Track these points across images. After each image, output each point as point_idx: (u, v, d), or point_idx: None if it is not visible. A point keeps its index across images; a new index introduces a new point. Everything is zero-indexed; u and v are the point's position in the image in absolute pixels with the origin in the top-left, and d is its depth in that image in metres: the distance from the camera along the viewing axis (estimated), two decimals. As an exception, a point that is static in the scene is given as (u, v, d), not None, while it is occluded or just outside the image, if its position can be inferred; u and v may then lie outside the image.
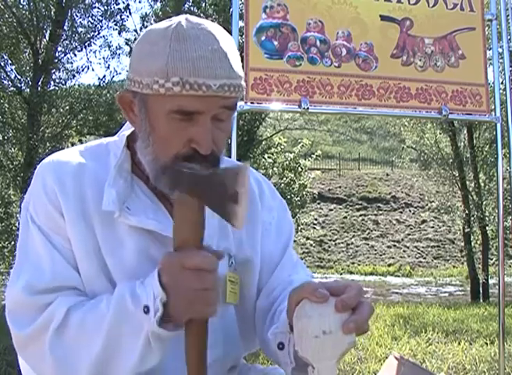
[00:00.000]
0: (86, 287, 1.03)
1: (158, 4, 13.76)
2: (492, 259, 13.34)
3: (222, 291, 1.08)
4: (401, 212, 24.09)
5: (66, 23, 10.80)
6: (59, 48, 10.71)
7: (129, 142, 1.09)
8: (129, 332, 0.94)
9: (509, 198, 8.71)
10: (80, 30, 10.97)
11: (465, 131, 13.05)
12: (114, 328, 0.94)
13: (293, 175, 13.47)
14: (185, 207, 0.92)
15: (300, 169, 13.64)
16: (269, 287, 1.17)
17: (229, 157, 2.17)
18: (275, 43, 2.43)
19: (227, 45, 0.98)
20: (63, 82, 11.01)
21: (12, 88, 10.60)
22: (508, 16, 3.22)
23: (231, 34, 2.38)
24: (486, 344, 4.55)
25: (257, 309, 1.16)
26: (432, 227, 22.88)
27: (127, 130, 1.11)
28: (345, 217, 23.65)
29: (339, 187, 25.66)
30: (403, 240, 22.32)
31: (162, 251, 1.02)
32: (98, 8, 11.04)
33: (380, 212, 24.12)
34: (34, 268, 1.00)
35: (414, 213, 23.92)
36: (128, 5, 11.35)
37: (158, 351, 0.95)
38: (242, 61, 2.51)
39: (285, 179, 13.30)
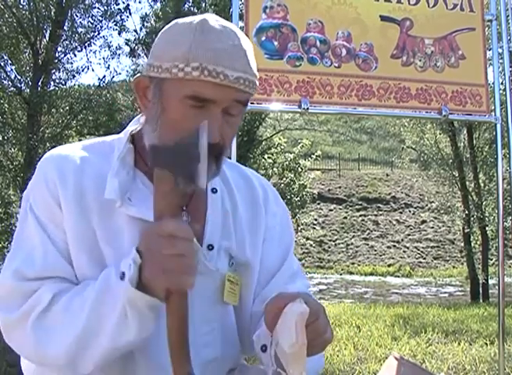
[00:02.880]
0: (80, 278, 1.03)
1: (158, 4, 13.77)
2: (491, 260, 13.33)
3: (221, 289, 1.09)
4: (401, 213, 24.09)
5: (66, 24, 10.80)
6: (59, 49, 10.71)
7: (134, 139, 1.11)
8: (110, 307, 0.94)
9: (509, 198, 8.72)
10: (79, 30, 10.98)
11: (465, 131, 13.05)
12: (96, 307, 0.95)
13: (292, 175, 13.50)
14: (159, 180, 0.94)
15: (300, 169, 13.67)
16: (265, 293, 1.16)
17: (229, 158, 2.17)
18: (275, 43, 2.43)
19: (246, 45, 1.02)
20: (63, 82, 11.01)
21: (12, 88, 10.60)
22: (508, 16, 3.22)
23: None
24: (486, 344, 4.55)
25: (252, 315, 1.16)
26: (432, 228, 22.88)
27: (133, 126, 1.13)
28: (345, 217, 23.65)
29: (339, 187, 25.66)
30: (402, 240, 22.31)
31: None
32: (98, 8, 11.05)
33: (380, 212, 24.12)
34: (26, 256, 1.02)
35: (413, 214, 23.91)
36: (128, 5, 11.36)
37: (134, 322, 0.93)
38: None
39: (285, 179, 13.33)
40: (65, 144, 1.13)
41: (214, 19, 1.01)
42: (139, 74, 1.07)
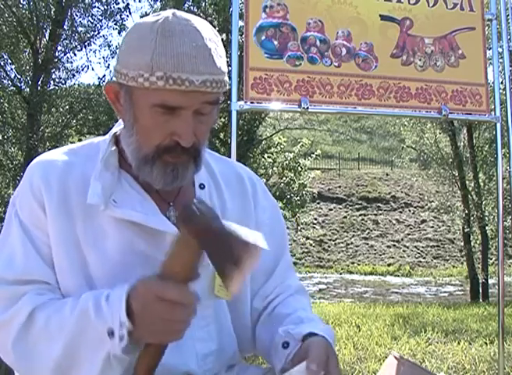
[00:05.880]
0: (60, 283, 1.04)
1: (158, 3, 13.74)
2: (491, 259, 13.35)
3: (211, 283, 1.09)
4: (401, 212, 24.09)
5: (66, 23, 10.79)
6: (59, 48, 10.70)
7: (118, 139, 1.12)
8: (90, 343, 0.95)
9: (508, 197, 8.71)
10: (79, 29, 10.97)
11: (465, 131, 13.06)
12: (75, 336, 0.95)
13: (292, 174, 13.47)
14: (185, 247, 0.92)
15: (299, 168, 13.64)
16: (266, 289, 1.19)
17: (229, 157, 2.17)
18: (275, 42, 2.43)
19: (211, 42, 1.00)
20: (63, 81, 11.00)
21: (11, 88, 10.59)
22: (508, 15, 3.22)
23: (231, 34, 2.38)
24: (486, 343, 4.55)
25: (253, 310, 1.19)
26: (432, 227, 22.88)
27: (118, 127, 1.14)
28: (345, 217, 23.65)
29: (339, 186, 25.66)
30: (402, 240, 22.31)
31: (148, 244, 1.05)
32: (98, 7, 11.03)
33: (380, 211, 24.12)
34: (7, 260, 1.03)
35: (413, 213, 23.91)
36: (128, 4, 11.34)
37: (119, 367, 0.95)
38: (242, 60, 2.51)
39: (285, 178, 13.31)
40: (53, 149, 1.15)
41: (176, 18, 1.00)
42: (107, 81, 1.08)
